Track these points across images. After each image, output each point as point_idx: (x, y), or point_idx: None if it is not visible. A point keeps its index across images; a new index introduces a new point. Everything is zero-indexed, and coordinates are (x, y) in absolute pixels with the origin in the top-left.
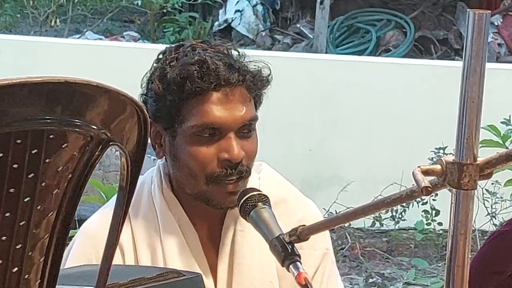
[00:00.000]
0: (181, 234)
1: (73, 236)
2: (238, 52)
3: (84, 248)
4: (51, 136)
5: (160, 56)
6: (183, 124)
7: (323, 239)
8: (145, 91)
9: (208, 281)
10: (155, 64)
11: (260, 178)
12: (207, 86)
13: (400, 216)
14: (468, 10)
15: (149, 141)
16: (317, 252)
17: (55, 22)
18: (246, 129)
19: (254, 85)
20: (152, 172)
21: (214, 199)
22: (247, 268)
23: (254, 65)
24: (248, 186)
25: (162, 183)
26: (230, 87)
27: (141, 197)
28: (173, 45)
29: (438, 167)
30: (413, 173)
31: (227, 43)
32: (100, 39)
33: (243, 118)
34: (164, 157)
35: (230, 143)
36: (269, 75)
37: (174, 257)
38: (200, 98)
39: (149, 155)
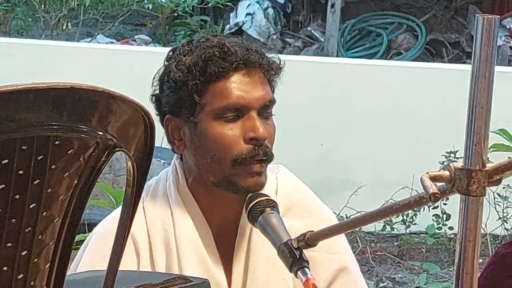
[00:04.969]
0: (196, 231)
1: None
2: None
3: (99, 246)
4: (56, 142)
5: (171, 54)
6: (205, 108)
7: (339, 242)
8: (158, 89)
9: (221, 277)
10: (166, 63)
11: (278, 179)
12: (228, 66)
13: (411, 220)
14: (476, 15)
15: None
16: (335, 255)
17: (67, 26)
18: (266, 111)
19: (271, 69)
20: (166, 171)
21: (240, 182)
22: (262, 265)
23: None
24: (266, 186)
25: (179, 179)
26: (249, 68)
27: (156, 194)
28: (182, 43)
29: (447, 173)
30: (421, 179)
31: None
32: (112, 42)
33: (264, 98)
34: (183, 151)
35: (254, 122)
36: (280, 62)
37: (188, 254)
38: (222, 80)
39: (158, 159)
